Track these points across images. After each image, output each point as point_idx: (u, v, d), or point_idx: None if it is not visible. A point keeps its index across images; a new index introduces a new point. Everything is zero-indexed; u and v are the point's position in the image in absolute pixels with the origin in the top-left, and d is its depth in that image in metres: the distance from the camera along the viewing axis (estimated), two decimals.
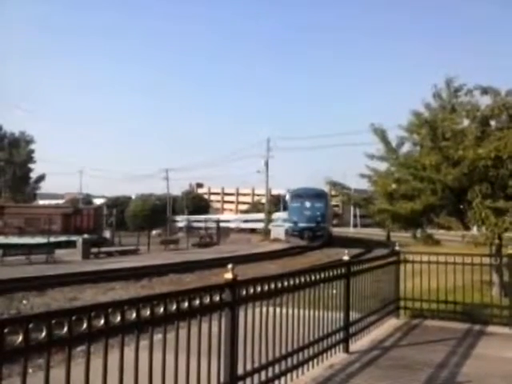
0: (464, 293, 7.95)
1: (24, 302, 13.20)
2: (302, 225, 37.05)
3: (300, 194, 39.55)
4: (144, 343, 3.12)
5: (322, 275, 5.57)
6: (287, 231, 39.06)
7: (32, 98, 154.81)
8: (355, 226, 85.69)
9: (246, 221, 74.41)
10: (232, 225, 70.84)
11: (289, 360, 4.75)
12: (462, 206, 10.89)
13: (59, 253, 27.65)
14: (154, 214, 79.22)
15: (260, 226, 63.12)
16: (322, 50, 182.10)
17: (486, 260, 8.26)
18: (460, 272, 7.87)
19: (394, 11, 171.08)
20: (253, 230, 68.89)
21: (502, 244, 10.04)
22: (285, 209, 63.31)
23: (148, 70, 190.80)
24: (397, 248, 8.70)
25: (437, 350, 6.26)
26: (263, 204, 75.44)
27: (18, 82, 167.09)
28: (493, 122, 10.83)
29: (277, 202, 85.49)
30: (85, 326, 2.72)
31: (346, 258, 6.36)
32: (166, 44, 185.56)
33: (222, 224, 58.18)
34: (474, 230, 11.19)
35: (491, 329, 7.50)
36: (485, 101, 10.84)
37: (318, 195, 38.40)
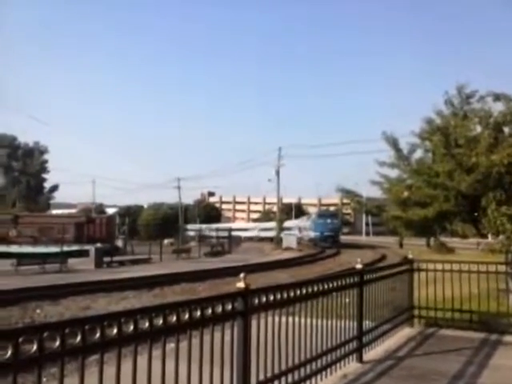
0: (480, 301, 7.82)
1: (38, 311, 13.29)
2: (326, 233, 53.82)
3: (323, 214, 61.64)
4: (157, 352, 3.11)
5: (335, 284, 5.52)
6: (315, 239, 55.59)
7: (47, 108, 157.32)
8: (367, 234, 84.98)
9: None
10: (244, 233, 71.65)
11: (302, 369, 4.70)
12: (476, 214, 10.77)
13: (72, 262, 27.86)
14: (165, 222, 79.53)
15: (271, 234, 64.27)
16: (330, 57, 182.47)
17: (502, 268, 8.12)
18: (475, 280, 7.74)
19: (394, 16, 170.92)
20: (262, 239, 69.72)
21: None
22: (296, 217, 71.11)
23: (157, 79, 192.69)
24: (410, 256, 8.61)
25: (452, 359, 6.15)
26: (275, 212, 75.57)
27: (33, 93, 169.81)
28: (506, 129, 10.74)
29: (288, 211, 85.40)
30: (98, 335, 2.73)
31: (358, 266, 6.31)
32: (165, 53, 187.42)
33: (234, 233, 58.69)
34: (490, 238, 11.05)
35: (508, 338, 7.35)
36: (498, 107, 10.76)
37: (335, 215, 62.06)
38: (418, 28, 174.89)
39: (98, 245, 32.55)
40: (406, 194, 11.18)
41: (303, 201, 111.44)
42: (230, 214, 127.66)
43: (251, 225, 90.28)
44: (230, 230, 57.54)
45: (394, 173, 11.53)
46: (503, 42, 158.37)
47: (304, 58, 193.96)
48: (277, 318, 4.39)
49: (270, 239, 65.14)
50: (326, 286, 5.28)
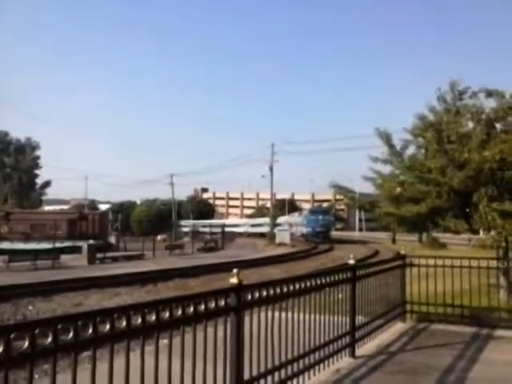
0: (471, 296, 7.88)
1: (30, 307, 13.23)
2: (318, 229, 56.44)
3: (315, 211, 64.50)
4: (149, 348, 3.11)
5: (328, 279, 5.55)
6: (307, 234, 57.90)
7: (40, 104, 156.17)
8: (360, 229, 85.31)
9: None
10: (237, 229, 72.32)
11: (295, 365, 4.72)
12: (467, 210, 10.82)
13: (65, 258, 27.74)
14: (159, 218, 79.39)
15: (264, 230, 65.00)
16: (324, 53, 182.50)
17: (493, 263, 8.19)
18: (466, 275, 7.81)
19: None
20: (252, 234, 70.50)
21: (508, 247, 9.97)
22: (289, 212, 71.70)
23: (153, 77, 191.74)
24: (402, 251, 8.65)
25: (444, 354, 6.21)
26: (268, 208, 75.81)
27: (26, 89, 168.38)
28: (498, 125, 10.78)
29: (282, 207, 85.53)
30: (90, 331, 2.72)
31: (351, 261, 6.33)
32: (158, 54, 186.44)
33: (227, 229, 58.87)
34: (481, 233, 11.12)
35: (499, 332, 7.43)
36: (490, 103, 10.80)
37: (326, 211, 65.83)
38: (412, 25, 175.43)
39: (91, 241, 32.47)
40: (398, 190, 11.21)
41: (296, 197, 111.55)
42: (223, 210, 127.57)
43: (242, 221, 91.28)
44: (224, 225, 57.61)
45: (386, 169, 11.66)
46: (496, 39, 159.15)
47: (302, 58, 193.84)
48: (270, 314, 4.40)
49: (260, 235, 66.07)
50: (318, 282, 5.30)
